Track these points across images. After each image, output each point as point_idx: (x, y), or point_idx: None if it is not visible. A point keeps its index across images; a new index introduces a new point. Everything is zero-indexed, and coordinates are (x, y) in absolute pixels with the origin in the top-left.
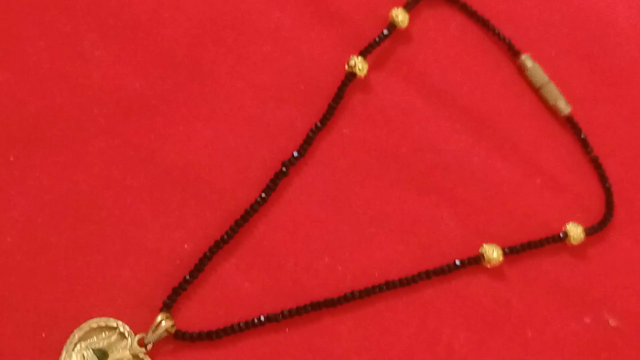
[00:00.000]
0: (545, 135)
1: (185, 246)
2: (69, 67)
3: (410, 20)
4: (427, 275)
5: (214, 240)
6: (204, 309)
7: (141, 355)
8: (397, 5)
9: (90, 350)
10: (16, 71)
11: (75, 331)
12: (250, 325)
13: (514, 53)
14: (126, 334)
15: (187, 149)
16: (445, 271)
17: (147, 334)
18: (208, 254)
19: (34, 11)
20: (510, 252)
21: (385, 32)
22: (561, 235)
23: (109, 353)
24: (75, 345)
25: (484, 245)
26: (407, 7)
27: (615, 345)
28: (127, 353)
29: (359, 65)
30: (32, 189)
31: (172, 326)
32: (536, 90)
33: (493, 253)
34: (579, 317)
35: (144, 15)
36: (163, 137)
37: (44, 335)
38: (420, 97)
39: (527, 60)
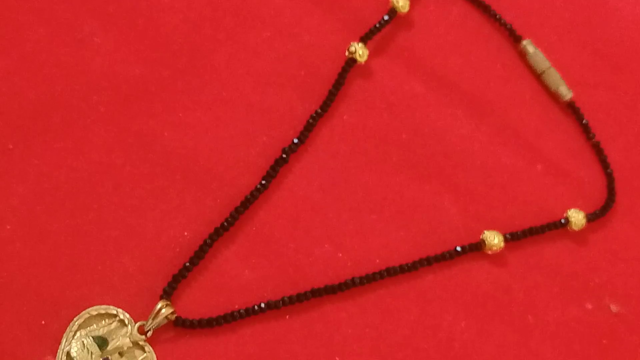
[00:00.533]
0: (547, 121)
1: (185, 233)
2: (68, 54)
3: (411, 6)
4: (428, 262)
5: (214, 227)
6: (204, 296)
7: (141, 343)
8: None
9: (90, 337)
10: (15, 58)
11: (75, 319)
12: (250, 313)
13: (515, 39)
14: (126, 322)
15: (187, 136)
16: (446, 258)
17: (147, 321)
18: (208, 241)
19: None
20: (512, 238)
21: (386, 17)
22: (562, 221)
23: (109, 340)
24: (75, 332)
25: (485, 231)
26: None
27: (617, 331)
28: (127, 340)
29: (360, 51)
30: (32, 176)
31: (172, 313)
32: (537, 76)
33: (494, 239)
34: (580, 303)
35: (144, 1)
36: (162, 124)
37: (43, 322)
38: (421, 83)
39: (529, 46)
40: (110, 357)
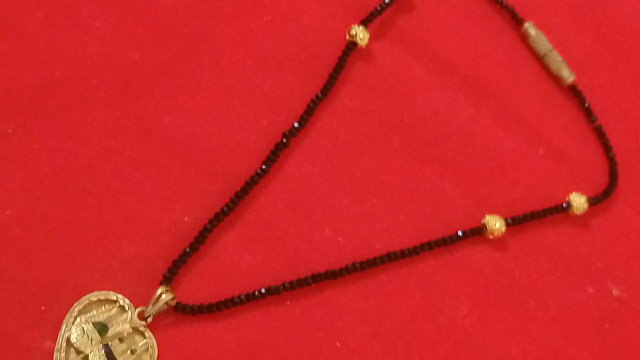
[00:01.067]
0: (549, 104)
1: (186, 218)
2: (67, 38)
3: None
4: (429, 247)
5: (214, 212)
6: (205, 281)
7: (141, 329)
8: None
9: (90, 323)
10: (13, 42)
11: (75, 305)
12: (250, 298)
13: (517, 21)
14: (126, 307)
15: (187, 120)
16: (447, 242)
17: (147, 307)
18: (208, 226)
19: None
20: (513, 222)
21: (387, 0)
22: (564, 205)
23: (109, 326)
24: (75, 318)
25: (487, 215)
26: None
27: (619, 315)
28: (127, 326)
29: (360, 34)
30: (31, 161)
31: (173, 299)
32: (539, 59)
33: (495, 224)
34: (582, 287)
35: None
36: (162, 109)
37: (43, 308)
38: (422, 66)
39: (530, 28)
40: (110, 343)
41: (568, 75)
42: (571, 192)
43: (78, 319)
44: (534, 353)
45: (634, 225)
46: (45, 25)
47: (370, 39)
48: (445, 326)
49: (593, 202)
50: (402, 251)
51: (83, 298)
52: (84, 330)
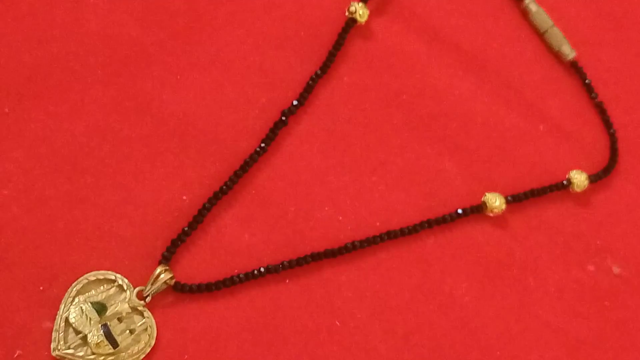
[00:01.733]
0: (549, 80)
1: (184, 197)
2: (65, 16)
3: None
4: (429, 225)
5: (213, 191)
6: (203, 260)
7: (140, 308)
8: None
9: (89, 303)
10: (10, 20)
11: (73, 284)
12: (250, 277)
13: None
14: (125, 287)
15: (185, 98)
16: (447, 220)
17: (146, 287)
18: (207, 205)
19: None
20: (513, 200)
21: None
22: (565, 182)
23: (108, 306)
24: (74, 298)
25: (487, 193)
26: None
27: (619, 293)
28: (125, 306)
29: (360, 11)
30: (28, 140)
31: (171, 278)
32: (540, 35)
33: (496, 201)
34: (582, 265)
35: None
36: (161, 86)
37: (41, 288)
38: (422, 43)
39: (531, 4)
40: (109, 323)
41: (569, 52)
42: (572, 169)
43: (76, 299)
44: (534, 331)
45: (635, 202)
46: (42, 2)
47: (369, 16)
48: (445, 304)
49: (594, 179)
50: (401, 229)
51: (81, 278)
52: (82, 310)
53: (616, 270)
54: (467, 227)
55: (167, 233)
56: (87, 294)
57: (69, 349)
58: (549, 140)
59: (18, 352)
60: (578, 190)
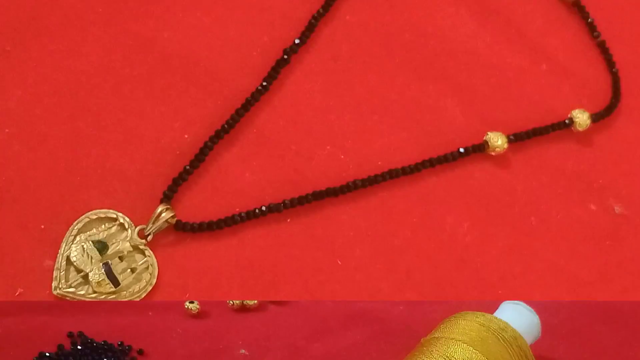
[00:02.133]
0: (552, 19)
1: (186, 136)
2: None
3: None
4: (431, 164)
5: (215, 129)
6: (205, 199)
7: (141, 247)
8: None
9: (90, 242)
10: None
11: (74, 223)
12: (251, 216)
13: None
14: (126, 226)
15: (187, 37)
16: (449, 159)
17: (147, 225)
18: (209, 143)
19: None
20: (515, 139)
21: None
22: (567, 121)
23: (109, 245)
24: (75, 237)
25: (489, 132)
26: None
27: (620, 232)
28: (127, 244)
29: None
30: (29, 79)
31: (173, 217)
32: None
33: (498, 140)
34: (584, 204)
35: None
36: (162, 25)
37: (43, 227)
38: None
39: None
40: (110, 262)
41: None
42: (574, 108)
43: (78, 237)
44: (535, 270)
45: (637, 141)
46: None
47: None
48: (447, 243)
49: (596, 118)
50: (403, 168)
51: (82, 216)
52: (83, 249)
53: (618, 209)
54: (469, 166)
55: (168, 172)
56: (88, 232)
57: (70, 287)
58: (551, 80)
59: (19, 290)
60: (580, 129)
